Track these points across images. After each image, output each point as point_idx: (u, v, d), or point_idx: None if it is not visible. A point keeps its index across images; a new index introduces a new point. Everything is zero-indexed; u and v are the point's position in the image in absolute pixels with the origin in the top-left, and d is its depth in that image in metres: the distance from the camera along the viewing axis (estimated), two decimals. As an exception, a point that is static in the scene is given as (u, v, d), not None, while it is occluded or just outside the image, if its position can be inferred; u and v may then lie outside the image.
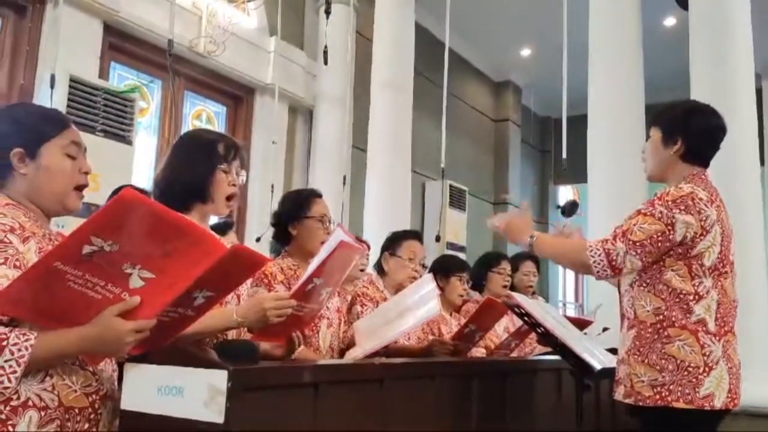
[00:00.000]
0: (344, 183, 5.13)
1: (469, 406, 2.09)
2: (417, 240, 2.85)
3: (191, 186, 1.66)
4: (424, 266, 2.85)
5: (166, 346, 1.32)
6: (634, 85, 4.52)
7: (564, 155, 4.12)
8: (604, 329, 3.10)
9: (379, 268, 2.84)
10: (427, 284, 2.31)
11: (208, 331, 1.53)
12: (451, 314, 3.12)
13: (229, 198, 1.70)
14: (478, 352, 2.98)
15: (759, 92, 7.52)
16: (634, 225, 1.88)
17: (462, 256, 6.65)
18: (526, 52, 8.21)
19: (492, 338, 3.14)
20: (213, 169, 1.66)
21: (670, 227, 1.84)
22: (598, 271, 1.90)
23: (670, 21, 6.83)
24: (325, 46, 4.27)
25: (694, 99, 2.12)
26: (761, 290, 4.05)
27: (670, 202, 1.87)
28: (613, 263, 1.87)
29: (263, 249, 3.24)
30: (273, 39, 5.52)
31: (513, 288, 3.58)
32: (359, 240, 3.29)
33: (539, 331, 2.13)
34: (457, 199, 7.39)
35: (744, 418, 3.68)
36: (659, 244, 1.85)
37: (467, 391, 2.09)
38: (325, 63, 4.46)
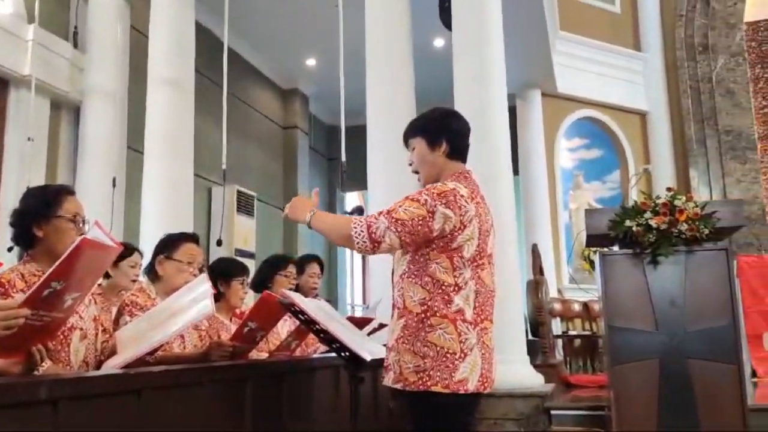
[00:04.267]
0: (114, 185, 4.73)
1: (243, 411, 2.02)
2: (194, 242, 2.70)
3: None
4: (201, 270, 2.71)
5: None
6: (407, 99, 4.81)
7: (343, 160, 4.25)
8: (381, 325, 3.22)
9: (152, 272, 2.64)
10: (201, 285, 2.19)
11: None
12: (231, 319, 3.01)
13: None
14: (262, 356, 2.92)
15: (513, 110, 8.49)
16: (400, 206, 2.01)
17: (251, 262, 6.53)
18: (311, 62, 8.36)
19: (274, 342, 3.10)
20: None
21: (430, 215, 1.97)
22: (358, 243, 1.99)
23: (439, 42, 7.40)
24: (75, 27, 3.89)
25: (438, 107, 2.31)
26: (515, 283, 4.52)
27: (435, 194, 2.01)
28: (373, 235, 1.97)
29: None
30: (31, 27, 4.93)
31: (298, 290, 3.58)
32: (127, 246, 3.04)
33: (314, 328, 2.14)
34: (245, 205, 7.24)
35: (506, 399, 4.07)
36: (419, 228, 1.97)
37: (240, 396, 2.02)
38: (75, 46, 4.09)
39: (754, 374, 5.80)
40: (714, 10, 9.41)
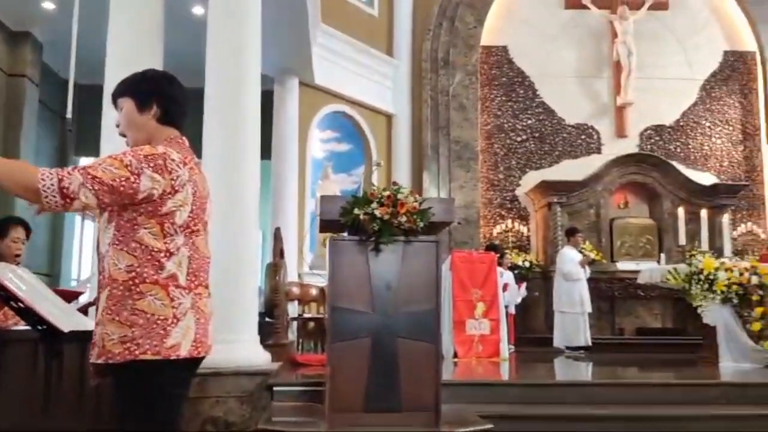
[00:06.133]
0: None
1: None
2: None
3: None
4: None
5: None
6: (151, 64, 4.47)
7: (69, 117, 3.87)
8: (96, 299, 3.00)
9: None
10: None
11: None
12: None
13: None
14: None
15: (270, 94, 8.53)
16: (100, 165, 1.88)
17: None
18: (48, 5, 7.41)
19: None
20: None
21: (135, 176, 1.88)
22: (46, 197, 1.81)
23: (198, 10, 7.09)
24: None
25: (154, 68, 2.22)
26: (254, 264, 4.54)
27: (141, 156, 1.91)
28: (65, 190, 1.81)
29: None
30: None
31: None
32: None
33: (3, 295, 1.91)
34: (-54, 159, 6.15)
35: (231, 377, 4.07)
36: (121, 189, 1.87)
37: None
38: None
39: (455, 355, 6.64)
40: (457, 29, 10.52)
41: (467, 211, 10.08)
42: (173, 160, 1.95)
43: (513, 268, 9.15)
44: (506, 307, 7.80)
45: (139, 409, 1.90)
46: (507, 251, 9.30)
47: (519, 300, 8.67)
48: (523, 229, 10.41)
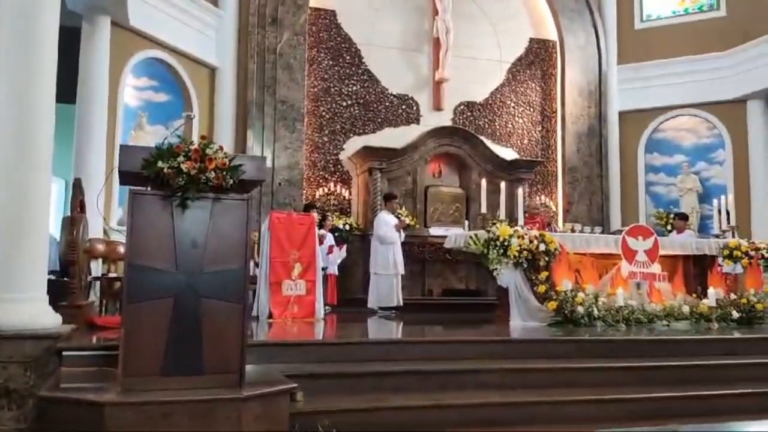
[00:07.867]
0: None
1: None
2: None
3: None
4: None
5: None
6: None
7: None
8: None
9: None
10: None
11: None
12: None
13: None
14: None
15: (78, 31, 7.72)
16: None
17: None
18: None
19: None
20: None
21: None
22: None
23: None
24: None
25: None
26: (43, 217, 4.12)
27: None
28: None
29: None
30: None
31: None
32: None
33: None
34: None
35: (13, 340, 3.70)
36: None
37: None
38: None
39: (270, 315, 6.62)
40: (286, -13, 10.25)
41: (291, 172, 10.02)
42: None
43: (334, 230, 9.30)
44: (324, 269, 7.93)
45: None
46: (329, 214, 9.43)
47: (339, 261, 8.86)
48: (345, 193, 10.59)
